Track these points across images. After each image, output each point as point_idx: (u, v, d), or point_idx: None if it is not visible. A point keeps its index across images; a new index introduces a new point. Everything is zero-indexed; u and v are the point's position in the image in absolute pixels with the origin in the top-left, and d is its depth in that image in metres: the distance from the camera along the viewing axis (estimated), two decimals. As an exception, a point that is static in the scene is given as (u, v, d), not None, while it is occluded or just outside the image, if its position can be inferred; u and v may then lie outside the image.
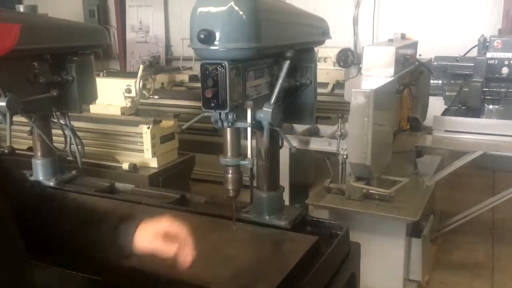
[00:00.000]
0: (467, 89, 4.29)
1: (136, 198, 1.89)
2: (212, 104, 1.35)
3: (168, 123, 3.82)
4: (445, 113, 4.26)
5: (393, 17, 6.46)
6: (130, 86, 3.82)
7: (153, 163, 3.74)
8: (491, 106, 4.28)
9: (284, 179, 2.81)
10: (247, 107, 1.35)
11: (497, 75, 4.10)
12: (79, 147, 2.17)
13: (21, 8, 1.92)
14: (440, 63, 4.55)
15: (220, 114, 1.38)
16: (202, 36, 1.28)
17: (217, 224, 1.66)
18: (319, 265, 1.44)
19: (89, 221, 1.29)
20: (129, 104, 3.90)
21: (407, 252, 2.97)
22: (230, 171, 1.45)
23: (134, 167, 3.62)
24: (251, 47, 1.33)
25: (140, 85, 3.80)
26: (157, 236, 1.22)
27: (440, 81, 4.60)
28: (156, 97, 4.40)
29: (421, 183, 3.30)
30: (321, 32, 1.75)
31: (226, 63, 1.31)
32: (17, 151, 3.83)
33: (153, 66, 6.56)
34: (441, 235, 3.64)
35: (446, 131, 3.46)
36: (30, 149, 3.85)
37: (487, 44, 4.21)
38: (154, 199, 1.90)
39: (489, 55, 4.07)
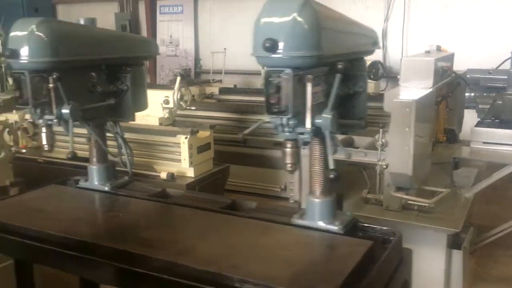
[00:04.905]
0: (500, 102, 4.25)
1: (189, 203, 1.94)
2: (275, 110, 1.41)
3: (204, 134, 3.90)
4: (478, 125, 4.23)
5: (422, 30, 6.47)
6: (168, 97, 3.92)
7: (190, 173, 3.81)
8: (525, 119, 4.23)
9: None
10: (307, 81, 1.39)
11: (531, 88, 4.07)
12: (129, 155, 2.26)
13: (81, 21, 2.02)
14: (473, 75, 4.53)
15: (281, 119, 1.44)
16: (267, 44, 1.34)
17: (272, 228, 1.69)
18: (376, 268, 1.46)
19: None
20: (166, 115, 3.99)
21: (447, 264, 2.94)
22: (288, 145, 1.50)
23: (172, 176, 3.70)
24: (312, 55, 1.39)
25: (178, 97, 3.90)
26: None
27: (472, 94, 4.57)
28: (193, 108, 4.50)
29: (459, 194, 3.28)
30: (372, 42, 1.80)
31: (291, 70, 1.36)
32: (58, 160, 3.98)
33: (185, 78, 6.69)
34: (478, 248, 3.59)
35: (484, 142, 3.43)
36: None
37: (520, 56, 4.18)
38: (207, 203, 1.95)
39: (523, 67, 4.04)
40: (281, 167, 5.25)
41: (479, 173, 3.69)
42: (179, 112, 4.18)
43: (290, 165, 1.51)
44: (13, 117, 4.20)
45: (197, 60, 8.15)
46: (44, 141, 1.88)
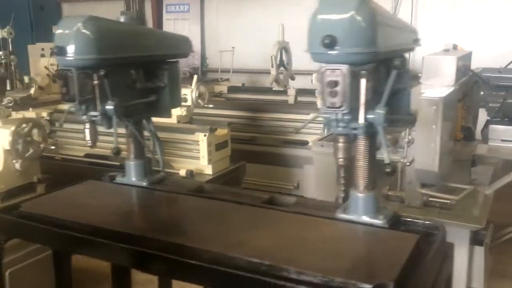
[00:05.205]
0: (510, 101, 4.30)
1: (229, 198, 1.96)
2: (331, 105, 1.43)
3: (222, 132, 3.92)
4: (487, 124, 4.27)
5: (430, 29, 6.51)
6: (186, 95, 3.94)
7: (208, 170, 3.83)
8: (535, 119, 4.27)
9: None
10: (361, 77, 1.41)
11: (541, 87, 4.11)
12: (162, 152, 2.29)
13: (122, 19, 2.04)
14: (485, 74, 4.57)
15: (336, 115, 1.46)
16: (327, 41, 1.36)
17: (318, 222, 1.72)
18: (426, 261, 1.49)
19: None
20: (184, 113, 4.01)
21: (470, 260, 2.98)
22: (341, 140, 1.52)
23: (191, 174, 3.71)
24: (369, 52, 1.41)
25: (196, 94, 3.92)
26: None
27: (482, 92, 4.62)
28: (211, 106, 4.51)
29: (478, 192, 3.31)
30: (413, 39, 1.83)
31: (348, 66, 1.39)
32: (72, 157, 3.99)
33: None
34: (495, 246, 3.62)
35: (502, 140, 3.48)
36: (86, 155, 4.01)
37: (529, 55, 4.21)
38: (246, 198, 1.96)
39: (532, 66, 4.08)
40: (293, 165, 5.26)
41: (495, 170, 3.72)
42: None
43: (342, 159, 1.53)
44: (29, 114, 4.21)
45: (203, 58, 8.17)
46: (88, 137, 1.90)
